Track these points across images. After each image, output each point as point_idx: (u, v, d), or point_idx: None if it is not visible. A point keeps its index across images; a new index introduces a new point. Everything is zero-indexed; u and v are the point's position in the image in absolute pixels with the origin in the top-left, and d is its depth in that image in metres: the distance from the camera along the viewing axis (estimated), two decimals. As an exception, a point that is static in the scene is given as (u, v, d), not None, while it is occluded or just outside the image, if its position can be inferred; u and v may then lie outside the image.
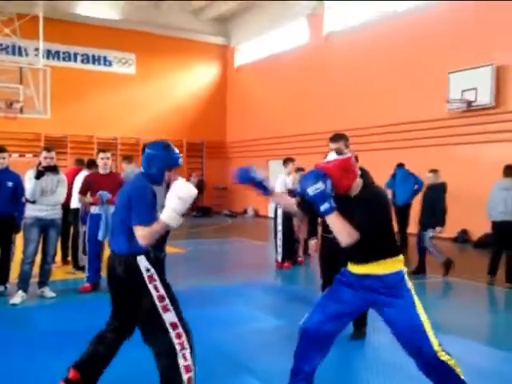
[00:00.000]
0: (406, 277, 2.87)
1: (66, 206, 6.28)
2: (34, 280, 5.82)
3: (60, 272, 7.17)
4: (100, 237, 6.00)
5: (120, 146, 17.27)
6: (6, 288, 5.86)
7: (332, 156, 2.88)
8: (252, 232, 13.11)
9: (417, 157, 12.06)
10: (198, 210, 17.70)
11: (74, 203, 7.28)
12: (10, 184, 5.83)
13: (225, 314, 5.33)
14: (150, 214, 2.89)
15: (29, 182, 5.60)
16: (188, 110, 19.01)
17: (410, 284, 2.87)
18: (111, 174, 6.34)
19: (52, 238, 5.73)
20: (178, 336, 2.87)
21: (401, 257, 2.91)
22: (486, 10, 10.72)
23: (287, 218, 7.65)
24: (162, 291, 2.91)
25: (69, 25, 16.44)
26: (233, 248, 10.51)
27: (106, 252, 6.43)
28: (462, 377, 2.77)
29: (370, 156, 10.70)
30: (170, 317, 2.89)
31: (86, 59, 17.42)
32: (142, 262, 2.90)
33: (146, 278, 2.89)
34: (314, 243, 4.67)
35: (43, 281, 5.83)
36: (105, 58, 17.73)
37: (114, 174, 6.52)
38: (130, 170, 8.04)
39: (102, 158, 6.23)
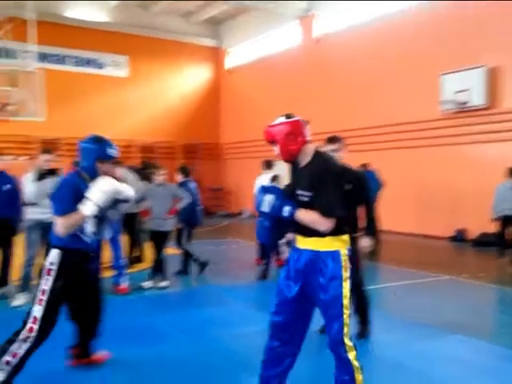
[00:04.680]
0: (342, 259, 2.72)
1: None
2: (35, 282, 5.80)
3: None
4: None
5: (113, 148, 17.19)
6: (7, 290, 5.84)
7: (281, 119, 2.80)
8: (248, 233, 13.09)
9: (411, 157, 12.18)
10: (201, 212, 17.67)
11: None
12: (6, 187, 5.82)
13: (224, 315, 5.36)
14: (64, 205, 3.12)
15: (29, 185, 5.59)
16: (181, 112, 18.99)
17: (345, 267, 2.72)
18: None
19: (53, 240, 5.73)
20: (31, 329, 3.13)
21: (344, 237, 2.76)
22: (479, 12, 10.84)
23: None
24: (46, 287, 3.15)
25: (60, 27, 16.35)
26: (229, 249, 10.52)
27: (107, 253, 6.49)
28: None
29: (364, 156, 10.77)
30: (36, 309, 3.13)
31: (78, 62, 17.34)
32: (52, 254, 3.22)
33: (45, 270, 3.20)
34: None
35: (44, 283, 5.81)
36: (97, 60, 17.66)
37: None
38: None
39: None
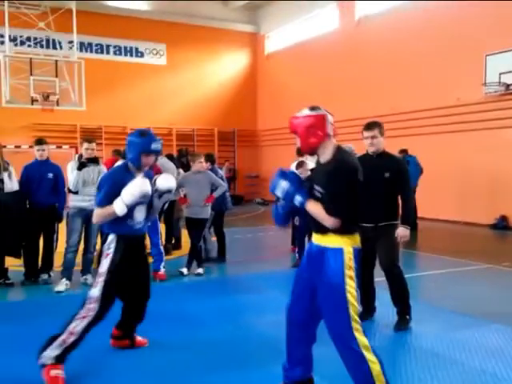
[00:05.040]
0: (345, 257, 2.70)
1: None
2: (77, 268, 6.00)
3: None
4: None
5: (152, 136, 17.43)
6: (50, 276, 6.06)
7: (304, 111, 2.82)
8: (285, 220, 13.12)
9: (452, 142, 11.86)
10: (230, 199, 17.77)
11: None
12: (50, 175, 6.01)
13: (259, 302, 5.38)
14: (102, 197, 3.35)
15: (71, 174, 5.76)
16: (219, 99, 19.06)
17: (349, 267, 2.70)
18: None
19: (94, 227, 5.86)
20: (90, 308, 3.29)
21: (350, 236, 2.74)
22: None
23: None
24: (104, 269, 3.35)
25: (100, 17, 16.64)
26: (266, 236, 10.56)
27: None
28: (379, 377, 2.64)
29: (404, 141, 10.57)
30: (93, 291, 3.31)
31: (118, 51, 17.62)
32: (108, 239, 3.43)
33: (103, 254, 3.41)
34: None
35: (86, 268, 5.99)
36: (136, 49, 17.90)
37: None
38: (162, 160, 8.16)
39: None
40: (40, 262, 6.07)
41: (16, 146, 14.24)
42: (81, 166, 5.74)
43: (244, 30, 19.67)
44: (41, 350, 3.24)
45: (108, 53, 17.46)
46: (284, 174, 2.81)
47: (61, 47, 15.68)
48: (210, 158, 7.60)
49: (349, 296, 2.66)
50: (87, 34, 16.13)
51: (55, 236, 6.16)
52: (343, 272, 2.68)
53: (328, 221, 2.67)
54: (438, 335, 4.24)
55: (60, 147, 15.13)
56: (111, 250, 3.38)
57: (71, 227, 5.78)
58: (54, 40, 15.65)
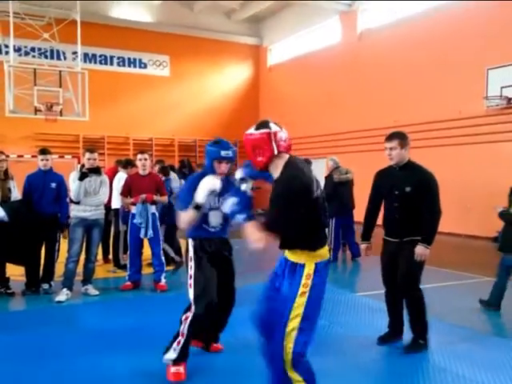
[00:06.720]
0: (305, 273, 2.66)
1: (106, 206, 6.40)
2: (78, 278, 5.98)
3: (101, 270, 7.29)
4: (143, 234, 6.16)
5: (155, 146, 17.52)
6: (51, 286, 6.05)
7: (250, 130, 2.76)
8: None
9: (454, 155, 11.87)
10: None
11: (114, 203, 7.43)
12: (53, 185, 6.01)
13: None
14: (181, 202, 3.53)
15: (73, 184, 5.76)
16: (221, 111, 19.13)
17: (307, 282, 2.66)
18: (150, 175, 6.45)
19: (95, 237, 5.88)
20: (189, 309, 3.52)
21: (314, 253, 2.69)
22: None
23: None
24: (192, 270, 3.58)
25: (105, 28, 16.77)
26: (270, 247, 10.52)
27: (146, 251, 6.61)
28: None
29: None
30: (190, 293, 3.55)
31: (121, 62, 17.74)
32: (189, 244, 3.66)
33: (189, 258, 3.64)
34: (364, 247, 4.43)
35: (87, 279, 5.99)
36: (140, 60, 18.02)
37: (152, 174, 6.63)
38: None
39: (140, 159, 6.33)
40: (41, 272, 6.06)
41: (19, 156, 14.30)
42: (82, 176, 5.74)
43: (247, 43, 19.80)
44: (164, 351, 3.56)
45: (111, 64, 17.58)
46: (236, 192, 2.79)
47: (65, 58, 15.79)
48: (163, 171, 7.51)
49: (292, 313, 2.62)
50: (91, 45, 16.24)
51: (57, 246, 6.16)
52: (297, 290, 2.65)
53: (261, 241, 2.64)
54: (440, 348, 4.21)
55: (62, 157, 15.18)
56: (192, 253, 3.60)
57: (72, 237, 5.78)
58: (58, 51, 15.75)
